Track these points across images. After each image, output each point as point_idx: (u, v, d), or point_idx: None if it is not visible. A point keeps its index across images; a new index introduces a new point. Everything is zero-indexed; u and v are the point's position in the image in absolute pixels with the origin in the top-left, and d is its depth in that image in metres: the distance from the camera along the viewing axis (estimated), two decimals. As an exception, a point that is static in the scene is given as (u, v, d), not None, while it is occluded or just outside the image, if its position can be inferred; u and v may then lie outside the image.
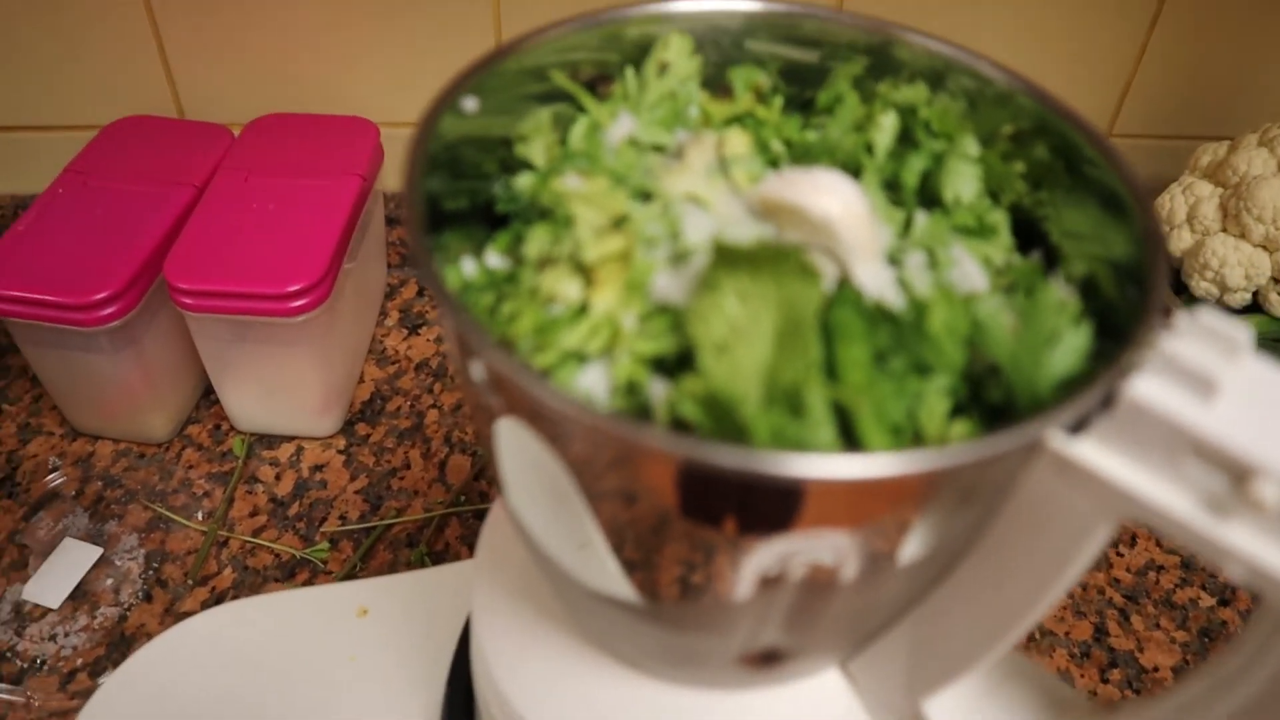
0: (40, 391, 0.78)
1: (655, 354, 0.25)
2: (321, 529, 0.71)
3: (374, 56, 0.80)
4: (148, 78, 0.80)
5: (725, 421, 0.23)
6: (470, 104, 0.29)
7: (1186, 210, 0.74)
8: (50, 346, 0.68)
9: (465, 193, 0.30)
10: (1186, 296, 0.75)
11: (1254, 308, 0.73)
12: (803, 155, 0.32)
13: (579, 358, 0.26)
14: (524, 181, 0.30)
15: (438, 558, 0.69)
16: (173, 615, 0.65)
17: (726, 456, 0.20)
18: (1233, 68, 0.83)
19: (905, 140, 0.32)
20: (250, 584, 0.68)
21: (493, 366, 0.24)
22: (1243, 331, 0.22)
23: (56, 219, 0.69)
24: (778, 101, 0.34)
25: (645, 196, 0.29)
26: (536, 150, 0.30)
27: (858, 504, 0.23)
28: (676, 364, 0.25)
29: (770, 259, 0.23)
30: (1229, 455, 0.22)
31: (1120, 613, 0.68)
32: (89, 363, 0.69)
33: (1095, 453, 0.23)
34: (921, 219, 0.30)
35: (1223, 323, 0.22)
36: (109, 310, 0.65)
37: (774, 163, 0.32)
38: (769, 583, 0.26)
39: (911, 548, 0.25)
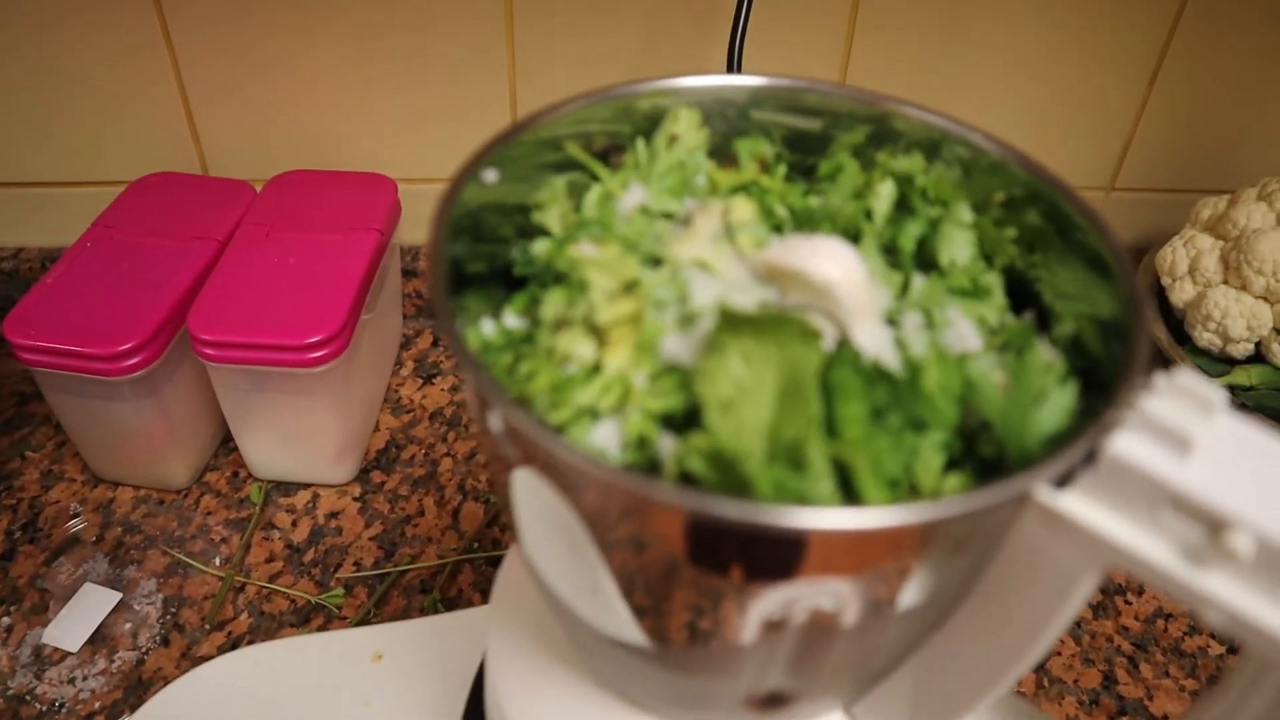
0: (63, 439, 0.80)
1: (664, 411, 0.27)
2: (336, 575, 0.72)
3: (392, 115, 0.82)
4: (174, 136, 0.83)
5: (730, 476, 0.24)
6: (490, 175, 0.31)
7: (1188, 263, 0.76)
8: (74, 395, 0.70)
9: (485, 256, 0.32)
10: (1190, 347, 0.76)
11: (1257, 358, 0.74)
12: (805, 221, 0.33)
13: (592, 414, 0.27)
14: (540, 247, 0.32)
15: (450, 604, 0.70)
16: (189, 659, 0.66)
17: (731, 509, 0.21)
18: (1231, 123, 0.85)
19: (902, 207, 0.34)
20: (266, 629, 0.69)
21: (510, 423, 0.25)
22: (1217, 392, 0.24)
23: (83, 272, 0.71)
24: (781, 170, 0.36)
25: (655, 262, 0.31)
26: (552, 218, 0.32)
27: (856, 553, 0.25)
28: (685, 420, 0.27)
29: (773, 323, 0.25)
30: (1204, 508, 0.23)
31: (1129, 660, 0.69)
32: (111, 411, 0.71)
33: (1079, 505, 0.25)
34: (918, 281, 0.32)
35: (1198, 384, 0.24)
36: (133, 361, 0.67)
37: (778, 228, 0.34)
38: (773, 628, 0.27)
39: (909, 594, 0.27)
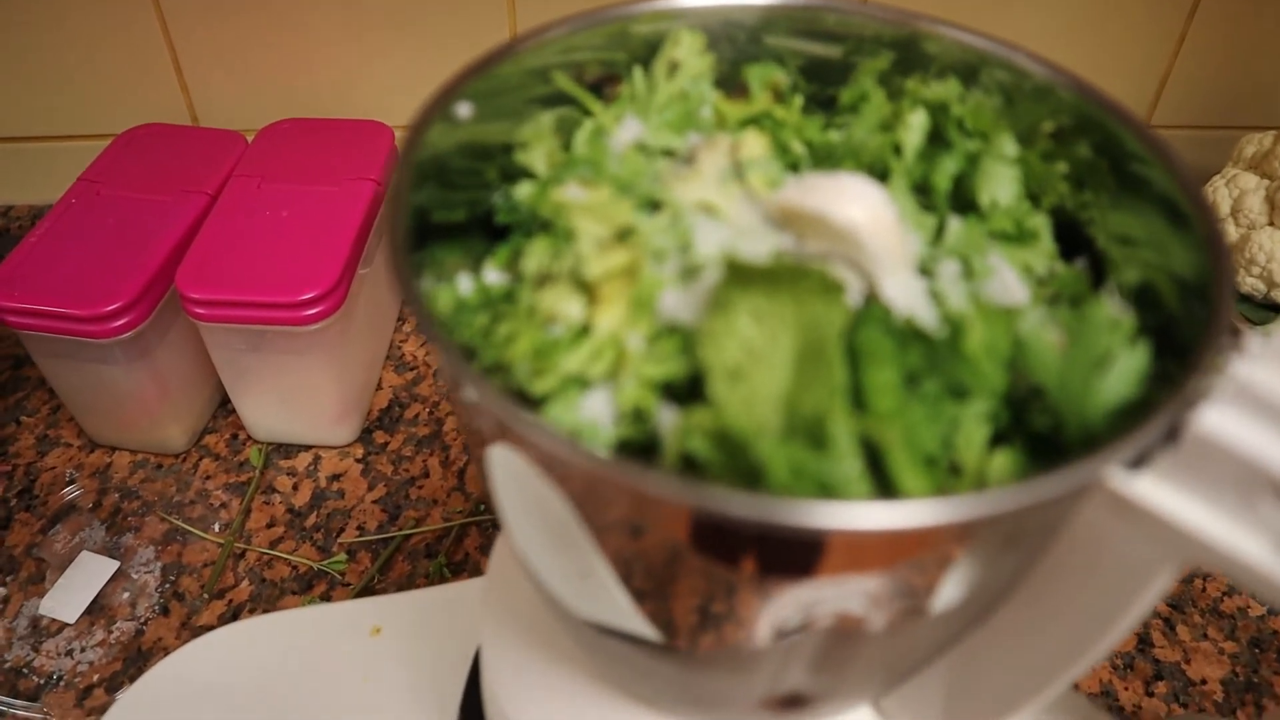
0: (58, 403, 0.78)
1: (664, 378, 0.23)
2: (339, 540, 0.70)
3: (388, 59, 0.79)
4: (161, 85, 0.79)
5: (738, 459, 0.21)
6: (464, 110, 0.27)
7: (1231, 203, 0.71)
8: (64, 358, 0.68)
9: (464, 203, 0.29)
10: (1232, 292, 0.72)
11: (1304, 303, 0.70)
12: (825, 158, 0.29)
13: (581, 382, 0.24)
14: (524, 190, 0.28)
15: (456, 568, 0.68)
16: (189, 629, 0.64)
17: (738, 505, 0.18)
18: (1277, 54, 0.80)
19: (936, 140, 0.30)
20: (267, 596, 0.66)
21: (478, 399, 0.22)
22: None
23: (68, 230, 0.68)
24: (797, 101, 0.31)
25: (653, 206, 0.27)
26: (537, 157, 0.28)
27: (887, 552, 0.21)
28: (688, 390, 0.23)
29: (788, 276, 0.21)
30: None
31: (1165, 622, 0.65)
32: (103, 374, 0.68)
33: (1157, 491, 0.21)
34: (955, 225, 0.28)
35: None
36: (121, 322, 0.64)
37: (794, 166, 0.30)
38: (790, 631, 0.24)
39: (946, 594, 0.23)
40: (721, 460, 0.21)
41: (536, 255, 0.26)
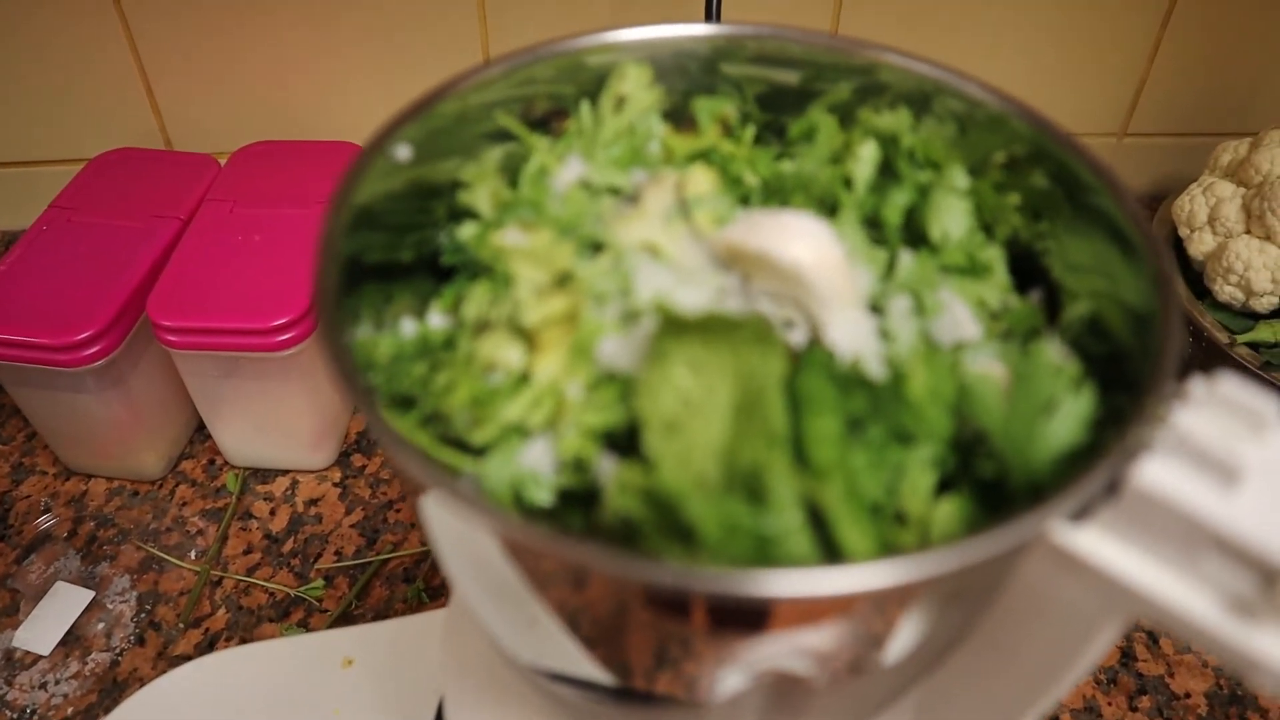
0: (33, 430, 0.77)
1: (604, 427, 0.23)
2: (316, 565, 0.69)
3: (361, 78, 0.78)
4: (133, 109, 0.79)
5: (670, 517, 0.20)
6: (404, 152, 0.27)
7: (1208, 212, 0.71)
8: (36, 387, 0.67)
9: (412, 243, 0.28)
10: (1209, 301, 0.72)
11: (1281, 312, 0.70)
12: (775, 191, 0.29)
13: (521, 432, 0.23)
14: (467, 231, 0.27)
15: (435, 593, 0.67)
16: (165, 659, 0.64)
17: (660, 573, 0.17)
18: (1252, 60, 0.79)
19: (887, 172, 0.29)
20: (244, 624, 0.66)
21: (399, 462, 0.21)
22: (1269, 403, 0.19)
23: (40, 257, 0.67)
24: (749, 132, 0.31)
25: (596, 247, 0.26)
26: (481, 197, 0.28)
27: (823, 614, 0.20)
28: (629, 437, 0.23)
29: (724, 327, 0.21)
30: (1256, 553, 0.19)
31: (1148, 635, 0.65)
32: (76, 402, 0.67)
33: (1099, 544, 0.20)
34: (906, 260, 0.28)
35: (1245, 393, 0.19)
36: (92, 350, 0.63)
37: (745, 198, 0.29)
38: (738, 681, 0.23)
39: (891, 650, 0.22)
40: (653, 519, 0.20)
41: (476, 301, 0.25)
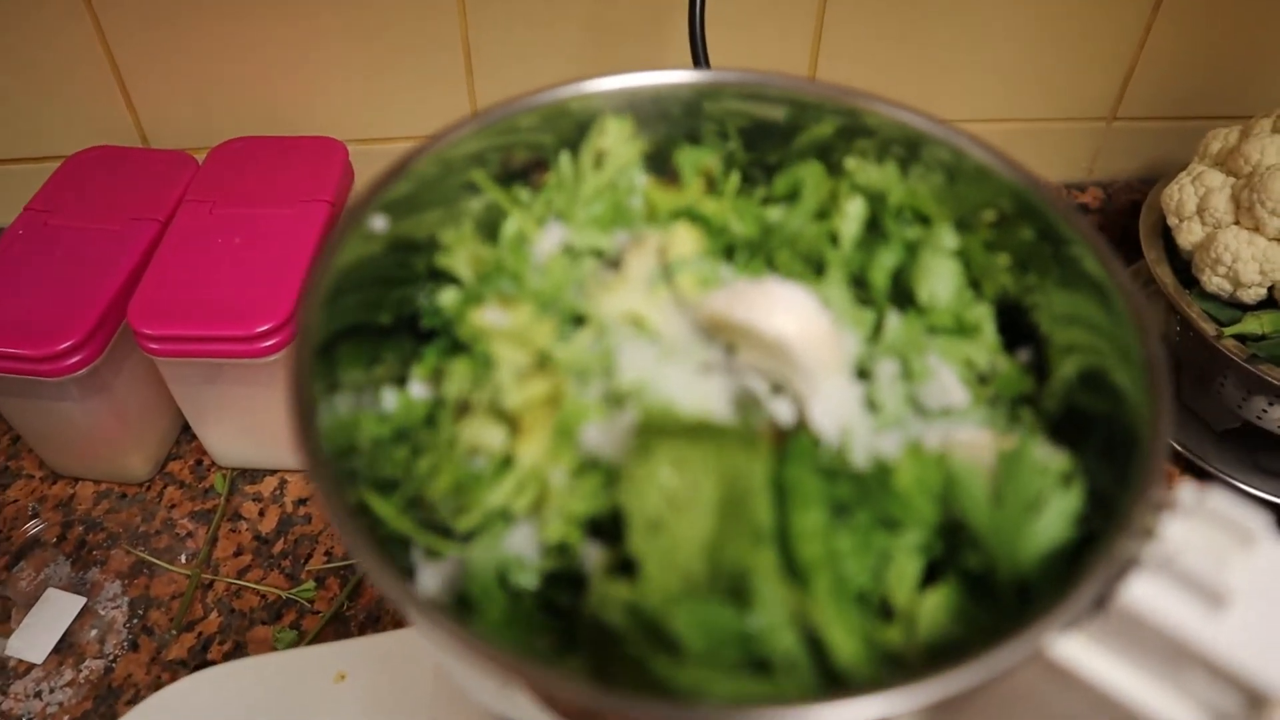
0: (18, 434, 0.77)
1: (588, 514, 0.23)
2: (307, 567, 0.69)
3: (341, 72, 0.77)
4: (106, 105, 0.77)
5: (654, 632, 0.20)
6: (379, 223, 0.26)
7: (1197, 201, 0.71)
8: (18, 395, 0.66)
9: (391, 304, 0.28)
10: (1197, 291, 0.72)
11: (1269, 303, 0.70)
12: (760, 247, 0.28)
13: (505, 517, 0.23)
14: (447, 298, 0.27)
15: (427, 596, 0.67)
16: (159, 664, 0.64)
17: (632, 708, 0.17)
18: (1245, 43, 0.78)
19: (874, 228, 0.29)
20: (237, 627, 0.66)
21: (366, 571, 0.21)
22: (1256, 517, 0.19)
23: (15, 263, 0.66)
24: (733, 183, 0.30)
25: (578, 320, 0.26)
26: (460, 261, 0.27)
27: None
28: (613, 521, 0.22)
29: (709, 432, 0.20)
30: (1243, 679, 0.19)
31: None
32: (59, 410, 0.67)
33: (1085, 654, 0.20)
34: (894, 322, 0.27)
35: (1233, 507, 0.19)
36: (74, 360, 0.63)
37: (730, 250, 0.29)
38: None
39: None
40: (637, 631, 0.20)
41: (457, 379, 0.25)
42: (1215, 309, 0.71)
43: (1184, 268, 0.73)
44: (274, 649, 0.65)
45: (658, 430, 0.21)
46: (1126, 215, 0.88)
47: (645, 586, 0.20)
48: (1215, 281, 0.70)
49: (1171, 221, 0.72)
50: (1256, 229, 0.67)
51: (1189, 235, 0.71)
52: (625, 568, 0.21)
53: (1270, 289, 0.68)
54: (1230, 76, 0.80)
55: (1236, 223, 0.68)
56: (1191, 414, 0.74)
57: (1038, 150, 0.86)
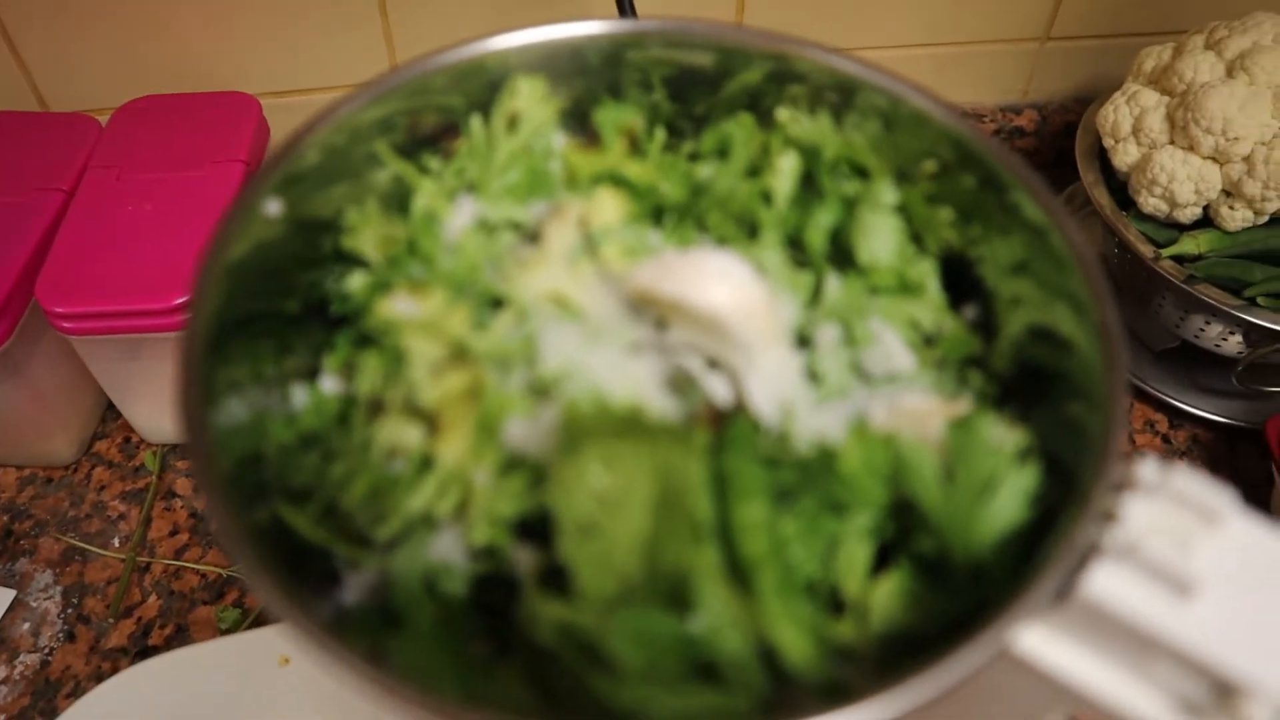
0: (-69, 419, 0.73)
1: (516, 515, 0.21)
2: (249, 543, 0.67)
3: (248, 22, 0.72)
4: (-5, 66, 0.72)
5: (590, 650, 0.19)
6: (274, 207, 0.24)
7: (1132, 122, 0.70)
8: (-75, 382, 0.63)
9: (300, 289, 0.25)
10: (1134, 213, 0.71)
11: (1205, 222, 0.69)
12: (689, 209, 0.27)
13: (428, 522, 0.21)
14: (355, 283, 0.25)
15: (374, 565, 0.66)
16: (99, 654, 0.62)
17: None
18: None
19: (809, 185, 0.27)
20: (177, 610, 0.64)
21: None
22: (1221, 495, 0.18)
23: (-91, 243, 0.62)
24: (657, 142, 0.28)
25: (496, 303, 0.24)
26: (366, 242, 0.25)
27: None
28: (544, 522, 0.21)
29: (641, 430, 0.19)
30: (1210, 667, 0.18)
31: None
32: (-29, 396, 0.63)
33: (1045, 645, 0.19)
34: (834, 284, 0.26)
35: (1199, 486, 0.18)
36: (-20, 343, 0.59)
37: (658, 212, 0.27)
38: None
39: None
40: (573, 651, 0.19)
41: (368, 376, 0.23)
42: (1153, 230, 0.71)
43: (1120, 189, 0.72)
44: (217, 629, 0.63)
45: (586, 425, 0.19)
46: (1062, 137, 0.88)
47: (578, 601, 0.19)
48: (1152, 202, 0.69)
49: (1107, 143, 0.71)
50: (1191, 148, 0.66)
51: (1125, 156, 0.70)
52: (559, 572, 0.20)
53: (1205, 208, 0.68)
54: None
55: (1171, 142, 0.68)
56: (1131, 334, 0.75)
57: (972, 74, 0.84)
